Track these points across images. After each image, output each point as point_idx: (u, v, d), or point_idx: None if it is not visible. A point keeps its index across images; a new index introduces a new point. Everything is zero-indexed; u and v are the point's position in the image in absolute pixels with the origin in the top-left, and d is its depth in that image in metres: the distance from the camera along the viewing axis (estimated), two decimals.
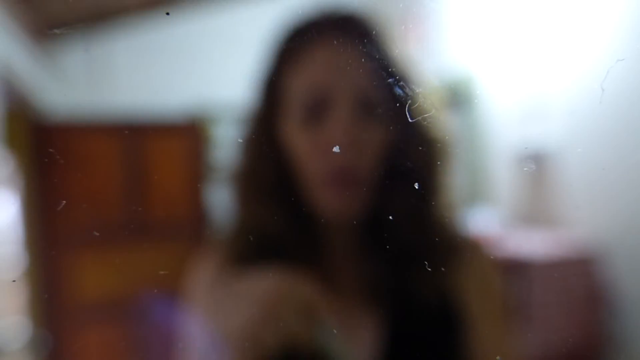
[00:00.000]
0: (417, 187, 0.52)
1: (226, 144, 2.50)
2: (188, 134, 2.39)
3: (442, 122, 0.53)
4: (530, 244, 1.87)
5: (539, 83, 2.02)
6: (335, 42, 0.54)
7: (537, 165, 2.10)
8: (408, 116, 0.43)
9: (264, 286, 0.48)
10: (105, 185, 2.22)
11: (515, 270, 1.72)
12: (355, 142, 0.51)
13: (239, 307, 0.48)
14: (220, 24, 2.96)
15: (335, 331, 0.48)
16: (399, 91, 0.44)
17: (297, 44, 0.55)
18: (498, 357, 0.56)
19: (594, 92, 1.49)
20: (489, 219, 2.20)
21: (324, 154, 0.52)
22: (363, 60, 0.52)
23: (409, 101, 0.43)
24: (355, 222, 0.56)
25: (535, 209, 2.16)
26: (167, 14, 3.10)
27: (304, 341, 0.46)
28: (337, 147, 0.52)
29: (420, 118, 0.46)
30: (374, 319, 0.55)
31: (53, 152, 1.61)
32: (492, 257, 0.63)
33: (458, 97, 2.39)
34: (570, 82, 1.80)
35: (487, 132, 2.38)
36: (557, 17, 1.86)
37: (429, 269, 0.53)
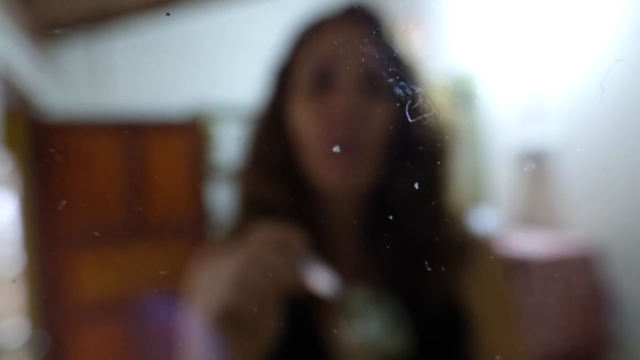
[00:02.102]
0: (419, 187, 0.52)
1: (226, 143, 2.50)
2: (188, 133, 2.39)
3: (447, 121, 0.54)
4: (530, 243, 1.87)
5: (539, 83, 2.02)
6: (342, 29, 0.56)
7: (537, 165, 2.10)
8: (408, 116, 0.43)
9: (245, 244, 0.49)
10: (105, 185, 2.22)
11: (515, 270, 1.72)
12: (356, 113, 0.53)
13: (229, 263, 0.49)
14: (220, 23, 2.96)
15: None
16: (400, 91, 0.44)
17: (309, 36, 0.57)
18: (498, 358, 0.56)
19: (594, 92, 1.50)
20: (489, 219, 2.20)
21: (327, 124, 0.54)
22: (369, 44, 0.54)
23: (412, 100, 0.43)
24: (359, 220, 0.56)
25: (535, 209, 2.16)
26: (168, 14, 3.10)
27: (294, 280, 0.47)
28: (338, 147, 0.52)
29: (424, 117, 0.47)
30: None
31: (53, 152, 1.61)
32: (498, 256, 0.63)
33: (458, 97, 2.38)
34: (570, 82, 1.80)
35: (487, 132, 2.38)
36: (557, 17, 1.86)
37: (434, 269, 0.53)
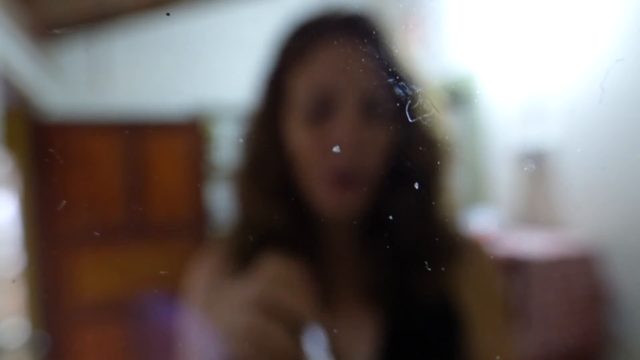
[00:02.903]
0: (418, 188, 0.52)
1: (226, 143, 2.50)
2: (188, 133, 2.39)
3: (444, 122, 0.53)
4: (530, 243, 1.87)
5: (539, 83, 2.02)
6: (339, 42, 0.54)
7: (537, 165, 2.10)
8: (409, 116, 0.43)
9: (255, 284, 0.47)
10: (105, 185, 2.22)
11: (515, 269, 1.72)
12: (358, 143, 0.52)
13: (235, 305, 0.47)
14: (220, 23, 2.96)
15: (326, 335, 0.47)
16: (400, 91, 0.44)
17: (302, 43, 0.55)
18: (498, 357, 0.56)
19: (594, 92, 1.49)
20: (489, 219, 2.20)
21: (327, 154, 0.52)
22: (367, 61, 0.52)
23: (411, 101, 0.43)
24: (356, 222, 0.56)
25: (535, 209, 2.16)
26: (168, 14, 3.10)
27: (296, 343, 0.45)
28: (338, 147, 0.52)
29: (421, 118, 0.46)
30: (373, 318, 0.55)
31: (53, 152, 1.61)
32: (492, 257, 0.63)
33: (458, 97, 2.39)
34: (570, 82, 1.80)
35: (487, 132, 2.38)
36: (557, 17, 1.86)
37: (429, 269, 0.53)
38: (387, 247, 0.54)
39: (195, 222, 2.32)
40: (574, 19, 1.80)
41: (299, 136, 0.54)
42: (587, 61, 1.69)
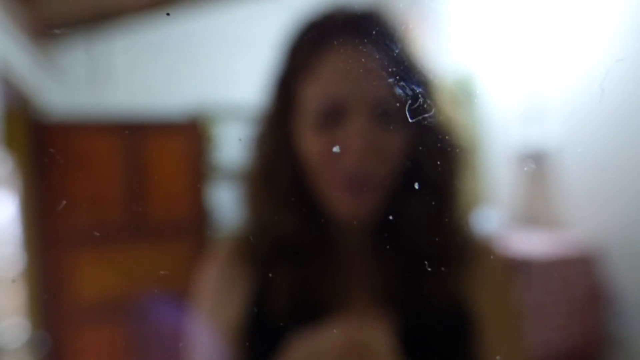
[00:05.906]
0: (429, 191, 0.52)
1: (226, 143, 2.50)
2: (188, 133, 2.39)
3: (457, 125, 0.53)
4: (530, 243, 1.87)
5: (539, 83, 2.02)
6: (347, 45, 0.53)
7: (537, 165, 2.10)
8: (420, 119, 0.43)
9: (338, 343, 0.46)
10: (105, 185, 2.22)
11: (516, 270, 1.72)
12: (370, 147, 0.51)
13: None
14: (220, 23, 2.96)
15: None
16: (411, 93, 0.43)
17: (310, 46, 0.55)
18: (498, 358, 0.56)
19: (594, 92, 1.50)
20: (490, 219, 2.20)
21: (339, 159, 0.52)
22: (376, 63, 0.51)
23: (422, 104, 0.43)
24: (368, 225, 0.56)
25: (535, 209, 2.16)
26: (168, 14, 3.10)
27: None
28: (337, 147, 0.52)
29: (433, 121, 0.46)
30: (385, 321, 0.55)
31: (53, 152, 1.61)
32: (502, 258, 0.63)
33: (458, 97, 2.38)
34: (570, 82, 1.80)
35: (487, 132, 2.38)
36: (557, 17, 1.86)
37: (441, 272, 0.53)
38: (399, 250, 0.54)
39: (195, 222, 2.32)
40: (574, 19, 1.80)
41: (311, 141, 0.54)
42: (587, 61, 1.69)
